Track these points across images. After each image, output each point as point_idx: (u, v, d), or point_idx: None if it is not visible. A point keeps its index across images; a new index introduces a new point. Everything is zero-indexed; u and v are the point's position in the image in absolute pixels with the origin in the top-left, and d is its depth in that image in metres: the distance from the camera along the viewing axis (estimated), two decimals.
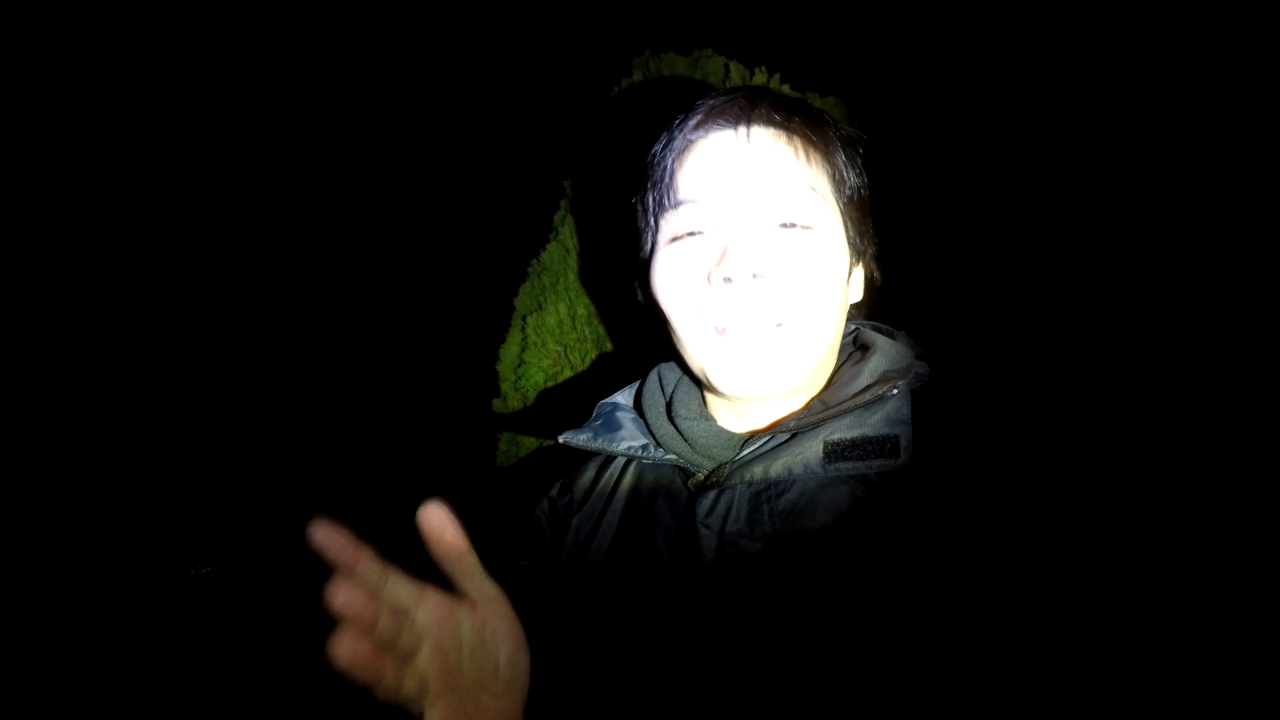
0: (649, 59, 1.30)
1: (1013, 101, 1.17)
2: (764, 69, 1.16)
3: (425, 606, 0.55)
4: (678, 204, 0.71)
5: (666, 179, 0.72)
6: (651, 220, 0.74)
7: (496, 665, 0.58)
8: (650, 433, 0.77)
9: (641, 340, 1.10)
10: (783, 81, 1.17)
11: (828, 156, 0.71)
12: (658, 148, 0.75)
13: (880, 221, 0.78)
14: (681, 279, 0.71)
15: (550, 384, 1.25)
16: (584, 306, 1.23)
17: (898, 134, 1.14)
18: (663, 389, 0.81)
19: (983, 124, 1.19)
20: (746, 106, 0.70)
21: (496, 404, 1.35)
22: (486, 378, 1.41)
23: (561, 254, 1.28)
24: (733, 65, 1.26)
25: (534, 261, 1.34)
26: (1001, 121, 1.18)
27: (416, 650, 0.53)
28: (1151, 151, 1.11)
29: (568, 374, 1.23)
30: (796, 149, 0.69)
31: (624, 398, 0.83)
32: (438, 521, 0.56)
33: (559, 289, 1.24)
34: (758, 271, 0.66)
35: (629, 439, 0.78)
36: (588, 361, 1.23)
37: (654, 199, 0.74)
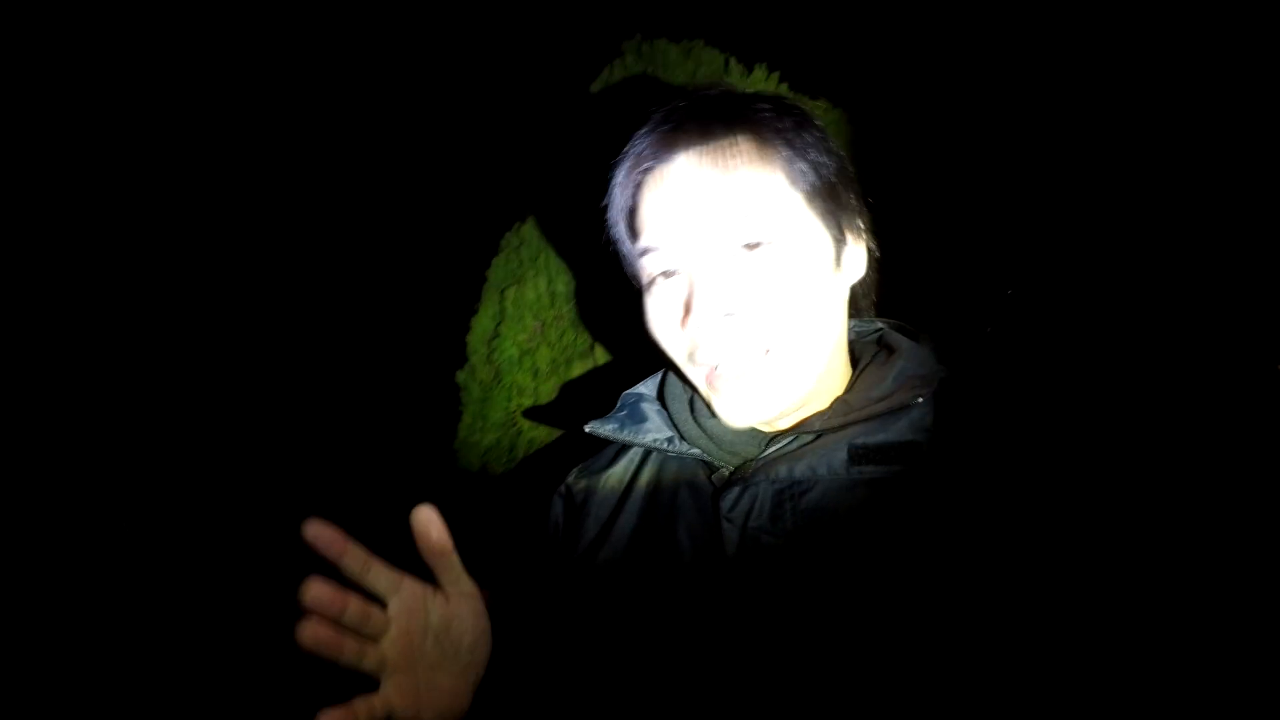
0: (640, 43, 1.30)
1: (1021, 94, 1.21)
2: (764, 66, 1.19)
3: (400, 594, 0.64)
4: (644, 250, 0.71)
5: (632, 226, 0.73)
6: (635, 262, 0.75)
7: (457, 650, 0.67)
8: (675, 426, 0.78)
9: (622, 326, 1.11)
10: (781, 80, 1.20)
11: (770, 156, 0.69)
12: (617, 190, 0.74)
13: (888, 217, 0.79)
14: (665, 325, 0.72)
15: (525, 359, 1.24)
16: (564, 284, 1.23)
17: (907, 127, 1.16)
18: (685, 382, 0.80)
19: (1000, 115, 1.23)
20: (670, 137, 0.69)
21: (461, 376, 1.33)
22: (448, 350, 1.37)
23: (541, 230, 1.27)
24: (732, 61, 1.26)
25: (509, 235, 1.32)
26: (1015, 113, 1.22)
27: (383, 632, 0.62)
28: (1165, 145, 1.15)
29: (545, 350, 1.22)
30: (731, 162, 0.68)
31: (647, 388, 0.82)
32: (426, 522, 0.63)
33: (539, 263, 1.23)
34: (728, 310, 0.67)
35: (654, 431, 0.78)
36: (564, 340, 1.23)
37: (624, 249, 0.76)
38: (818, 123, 0.73)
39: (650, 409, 0.80)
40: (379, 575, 0.62)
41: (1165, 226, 1.17)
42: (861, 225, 0.75)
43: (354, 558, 0.61)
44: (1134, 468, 0.63)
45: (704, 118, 0.70)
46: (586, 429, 0.80)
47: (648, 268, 0.72)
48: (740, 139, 0.68)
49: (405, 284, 1.47)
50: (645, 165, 0.70)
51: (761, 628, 0.63)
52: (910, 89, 1.28)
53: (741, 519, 0.68)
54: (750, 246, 0.67)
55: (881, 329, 0.80)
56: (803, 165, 0.70)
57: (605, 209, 0.77)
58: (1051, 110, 1.22)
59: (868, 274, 0.77)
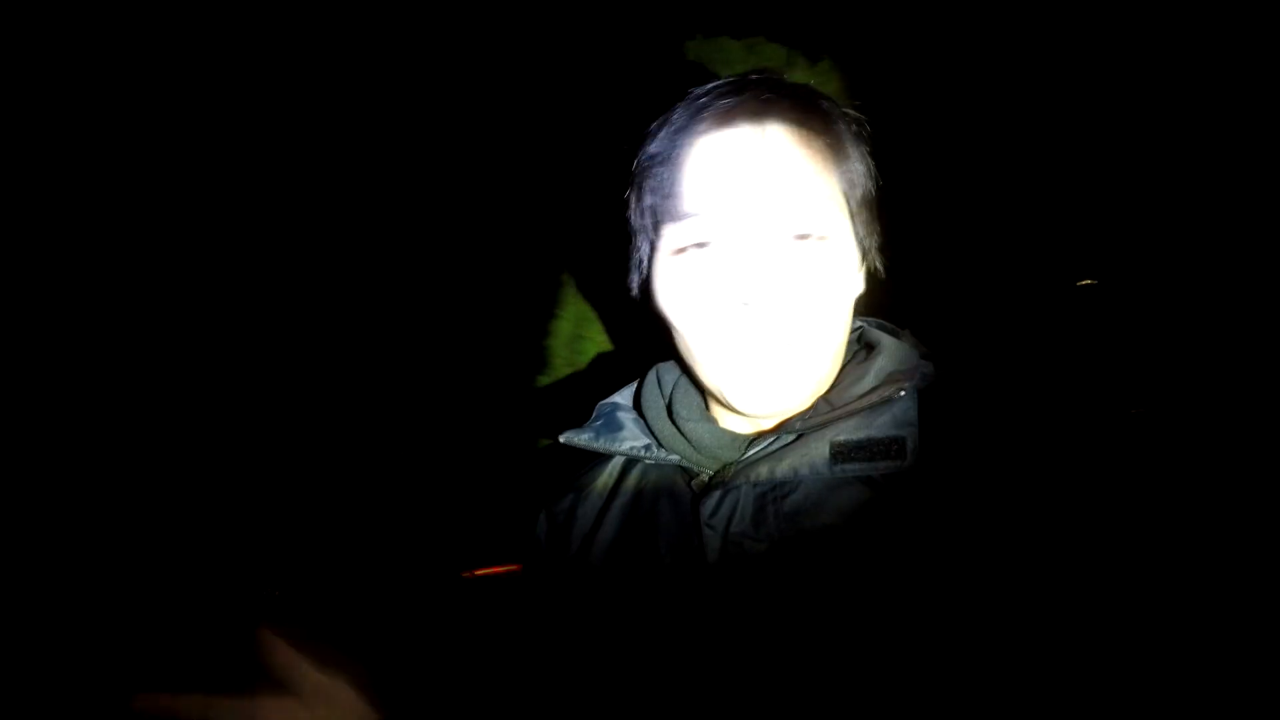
0: (702, 43, 1.31)
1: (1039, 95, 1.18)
2: (829, 60, 1.18)
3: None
4: (683, 215, 0.67)
5: (672, 185, 0.67)
6: (649, 223, 0.71)
7: None
8: (651, 433, 0.76)
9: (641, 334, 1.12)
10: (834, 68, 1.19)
11: (843, 157, 0.68)
12: (659, 146, 0.69)
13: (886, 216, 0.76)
14: (692, 297, 0.68)
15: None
16: None
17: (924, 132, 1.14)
18: (661, 389, 0.79)
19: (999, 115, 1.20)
20: (760, 107, 0.66)
21: (543, 380, 1.37)
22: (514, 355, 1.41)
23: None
24: (796, 56, 1.26)
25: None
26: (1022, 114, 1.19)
27: None
28: (1164, 143, 1.11)
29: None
30: (813, 151, 0.66)
31: (623, 398, 0.81)
32: (268, 644, 0.58)
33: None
34: (775, 294, 0.64)
35: (631, 439, 0.76)
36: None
37: (655, 203, 0.69)
38: (867, 135, 0.72)
39: (626, 417, 0.78)
40: (224, 712, 0.58)
41: (1168, 229, 1.10)
42: (875, 244, 0.73)
43: (189, 708, 0.56)
44: (1122, 465, 0.60)
45: (796, 100, 0.67)
46: (562, 439, 0.78)
47: (681, 235, 0.68)
48: (824, 134, 0.67)
49: (471, 289, 1.50)
50: (720, 126, 0.66)
51: (742, 635, 0.61)
52: (932, 94, 1.25)
53: (723, 524, 0.65)
54: (801, 237, 0.66)
55: (861, 326, 0.78)
56: (859, 174, 0.69)
57: (647, 161, 0.70)
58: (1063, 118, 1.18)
59: (864, 291, 0.76)
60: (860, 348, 0.76)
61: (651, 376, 0.81)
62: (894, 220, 0.77)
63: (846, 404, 0.67)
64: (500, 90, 1.37)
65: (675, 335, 0.72)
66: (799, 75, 1.22)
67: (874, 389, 0.67)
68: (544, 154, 1.38)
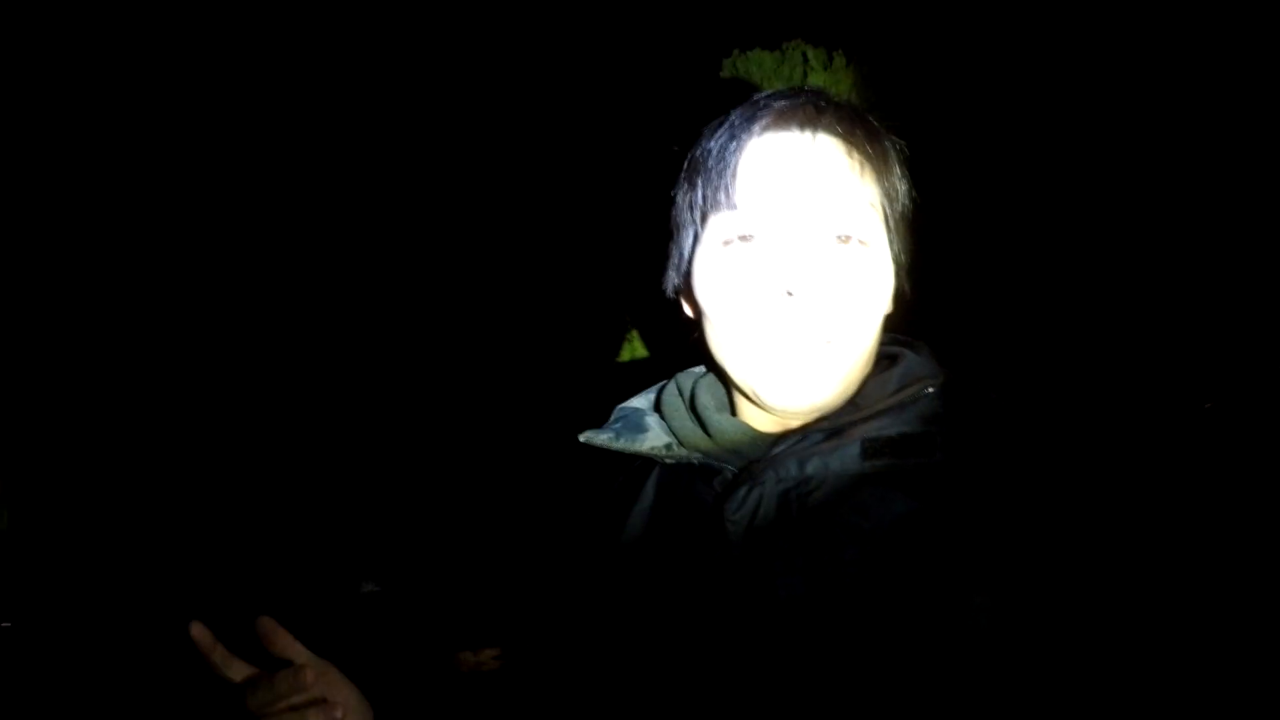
0: (736, 58, 1.32)
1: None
2: (841, 54, 1.19)
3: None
4: (735, 205, 0.69)
5: (724, 177, 0.70)
6: (696, 216, 0.73)
7: None
8: (673, 432, 0.77)
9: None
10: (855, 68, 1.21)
11: (886, 171, 0.70)
12: (714, 143, 0.72)
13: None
14: (735, 286, 0.70)
15: None
16: None
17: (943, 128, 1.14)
18: (681, 394, 0.80)
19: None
20: (814, 114, 0.69)
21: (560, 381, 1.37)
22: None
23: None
24: (811, 53, 1.26)
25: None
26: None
27: None
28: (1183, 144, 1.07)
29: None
30: (859, 162, 0.68)
31: (643, 401, 0.82)
32: (269, 631, 0.67)
33: None
34: (819, 287, 0.66)
35: (652, 439, 0.77)
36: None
37: (705, 194, 0.72)
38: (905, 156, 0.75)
39: (648, 419, 0.79)
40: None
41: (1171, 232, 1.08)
42: (907, 265, 0.75)
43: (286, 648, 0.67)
44: (1149, 467, 0.60)
45: (845, 113, 0.71)
46: (581, 439, 0.79)
47: (730, 226, 0.70)
48: (870, 145, 0.70)
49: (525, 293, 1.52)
50: (777, 128, 0.69)
51: (764, 632, 0.62)
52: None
53: (746, 520, 0.66)
54: (843, 239, 0.68)
55: (883, 340, 0.77)
56: (900, 191, 0.72)
57: (702, 155, 0.73)
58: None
59: (892, 310, 0.76)
60: (881, 359, 0.76)
61: (672, 384, 0.83)
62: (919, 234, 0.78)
63: (872, 404, 0.69)
64: (527, 103, 1.40)
65: (711, 329, 0.74)
66: (815, 78, 1.25)
67: (900, 389, 0.69)
68: (579, 160, 1.40)
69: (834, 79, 1.25)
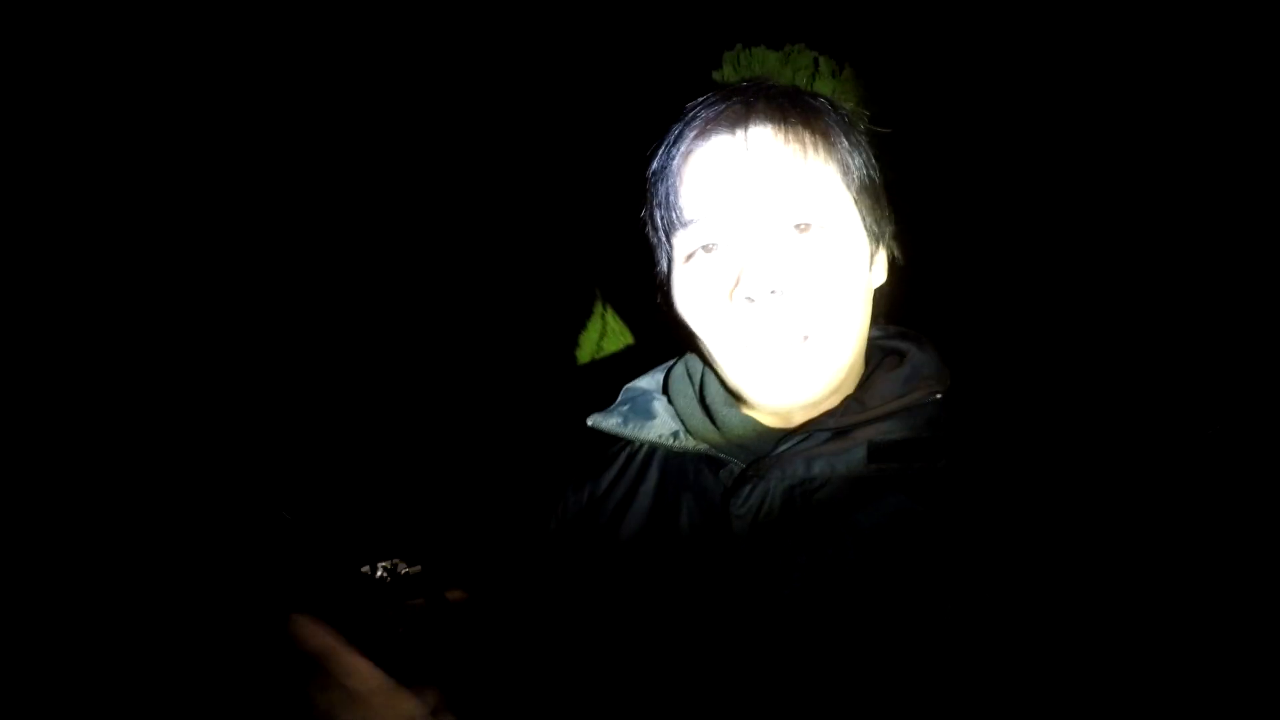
0: (740, 53, 1.30)
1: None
2: (850, 67, 1.16)
3: None
4: (686, 222, 0.69)
5: (671, 197, 0.70)
6: (663, 237, 0.73)
7: None
8: (680, 420, 0.76)
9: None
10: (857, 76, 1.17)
11: (832, 147, 0.69)
12: (658, 162, 0.72)
13: (902, 207, 0.76)
14: (702, 300, 0.70)
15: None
16: None
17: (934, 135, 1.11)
18: (691, 379, 0.79)
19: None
20: (743, 111, 0.68)
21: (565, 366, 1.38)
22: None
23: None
24: (822, 60, 1.25)
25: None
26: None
27: None
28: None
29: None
30: (801, 145, 0.67)
31: (650, 383, 0.82)
32: (306, 630, 0.56)
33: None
34: (776, 287, 0.66)
35: (660, 427, 0.77)
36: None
37: (661, 215, 0.72)
38: (862, 127, 0.73)
39: (656, 404, 0.79)
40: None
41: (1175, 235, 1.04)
42: (890, 231, 0.74)
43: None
44: (1152, 472, 0.60)
45: (775, 99, 0.70)
46: (589, 422, 0.79)
47: (688, 241, 0.70)
48: (807, 126, 0.69)
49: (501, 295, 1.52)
50: (709, 134, 0.68)
51: (768, 627, 0.62)
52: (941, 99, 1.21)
53: (751, 516, 0.66)
54: (801, 228, 0.68)
55: (888, 334, 0.78)
56: (856, 162, 0.70)
57: (651, 177, 0.73)
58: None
59: (886, 281, 0.76)
60: (888, 354, 0.76)
61: (681, 365, 0.82)
62: (924, 221, 0.77)
63: (879, 405, 0.68)
64: (538, 105, 1.39)
65: (696, 340, 0.74)
66: (823, 84, 1.21)
67: (907, 392, 0.69)
68: (583, 165, 1.39)
69: (842, 87, 1.21)
